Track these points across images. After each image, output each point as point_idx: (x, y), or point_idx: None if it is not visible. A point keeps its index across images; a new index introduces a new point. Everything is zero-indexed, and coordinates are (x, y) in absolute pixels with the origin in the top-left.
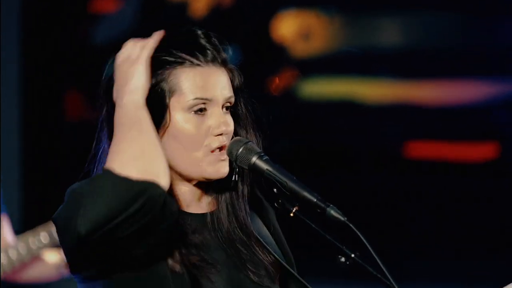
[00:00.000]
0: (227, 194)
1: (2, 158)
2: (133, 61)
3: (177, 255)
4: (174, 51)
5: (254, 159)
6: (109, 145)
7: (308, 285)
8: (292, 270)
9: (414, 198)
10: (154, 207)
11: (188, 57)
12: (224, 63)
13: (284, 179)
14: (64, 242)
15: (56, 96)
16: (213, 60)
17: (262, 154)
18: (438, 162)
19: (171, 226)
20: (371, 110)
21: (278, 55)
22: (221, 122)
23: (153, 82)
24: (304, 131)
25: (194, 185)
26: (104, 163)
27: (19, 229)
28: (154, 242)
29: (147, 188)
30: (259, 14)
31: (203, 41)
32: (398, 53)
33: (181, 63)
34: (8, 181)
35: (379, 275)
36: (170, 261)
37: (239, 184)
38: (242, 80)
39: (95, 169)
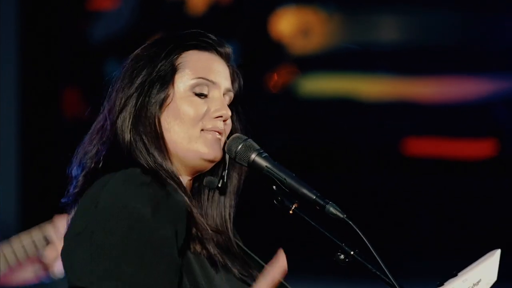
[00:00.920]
0: (214, 194)
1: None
2: None
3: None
4: (183, 39)
5: (254, 156)
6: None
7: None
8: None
9: (413, 195)
10: None
11: (195, 42)
12: (225, 57)
13: (283, 176)
14: None
15: (54, 94)
16: (218, 50)
17: (262, 151)
18: (437, 159)
19: None
20: (370, 107)
21: (277, 52)
22: (222, 105)
23: (162, 60)
24: (303, 128)
25: (191, 178)
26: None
27: (17, 226)
28: None
29: None
30: (258, 11)
31: (208, 34)
32: (397, 50)
33: (189, 47)
34: (5, 179)
35: (378, 272)
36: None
37: (228, 186)
38: (242, 84)
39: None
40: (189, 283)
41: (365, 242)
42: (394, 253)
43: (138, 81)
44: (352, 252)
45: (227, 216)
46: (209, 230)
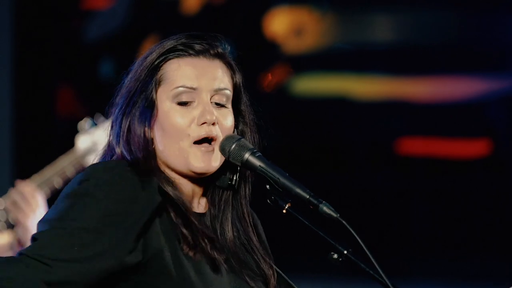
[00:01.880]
0: (228, 194)
1: None
2: None
3: (200, 251)
4: (165, 49)
5: (247, 155)
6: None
7: None
8: (289, 280)
9: (406, 194)
10: None
11: (176, 51)
12: (218, 56)
13: (276, 175)
14: None
15: (48, 92)
16: (204, 52)
17: (255, 150)
18: (431, 158)
19: None
20: (363, 106)
21: (271, 52)
22: (206, 111)
23: (146, 76)
24: (297, 128)
25: (192, 185)
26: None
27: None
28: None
29: None
30: (251, 11)
31: (191, 37)
32: (391, 50)
33: (170, 57)
34: None
35: (371, 272)
36: (196, 257)
37: (241, 184)
38: (242, 78)
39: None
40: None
41: (358, 241)
42: (387, 252)
43: (127, 98)
44: (345, 252)
45: (245, 215)
46: (205, 233)
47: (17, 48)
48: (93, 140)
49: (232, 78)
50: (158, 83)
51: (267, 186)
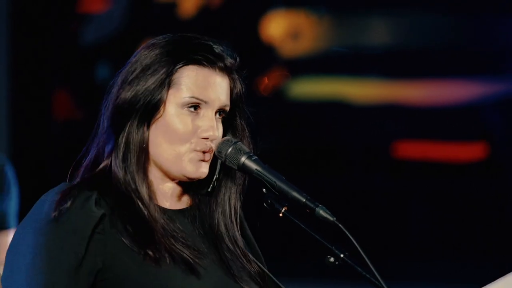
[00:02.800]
0: (212, 191)
1: None
2: None
3: (162, 249)
4: (184, 51)
5: (243, 159)
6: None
7: None
8: (277, 281)
9: (403, 198)
10: None
11: (197, 57)
12: (227, 70)
13: (273, 179)
14: None
15: (45, 96)
16: (217, 64)
17: (251, 154)
18: (428, 162)
19: None
20: (359, 109)
21: (267, 55)
22: (211, 126)
23: (158, 73)
24: (293, 131)
25: (176, 183)
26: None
27: None
28: None
29: None
30: (248, 14)
31: (214, 48)
32: (387, 53)
33: (186, 62)
34: None
35: (368, 275)
36: (156, 254)
37: (228, 183)
38: (243, 91)
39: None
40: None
41: (355, 245)
42: (384, 255)
43: (132, 91)
44: (342, 255)
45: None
46: (168, 228)
47: (14, 51)
48: None
49: (232, 91)
50: (170, 85)
51: (264, 190)
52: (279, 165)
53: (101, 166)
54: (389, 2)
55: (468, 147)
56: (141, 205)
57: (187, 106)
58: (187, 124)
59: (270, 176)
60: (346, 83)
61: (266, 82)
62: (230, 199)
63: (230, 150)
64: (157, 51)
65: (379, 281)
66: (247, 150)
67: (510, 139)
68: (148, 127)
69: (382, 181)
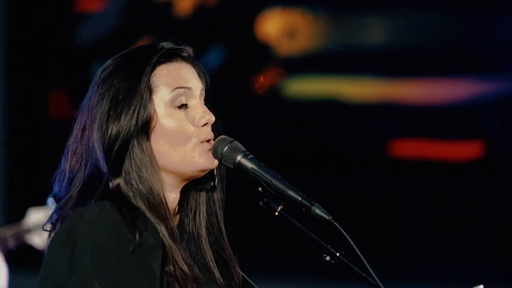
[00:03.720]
0: (205, 201)
1: None
2: None
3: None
4: (143, 61)
5: (239, 158)
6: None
7: None
8: (253, 284)
9: (400, 197)
10: None
11: (156, 58)
12: (191, 58)
13: (269, 178)
14: None
15: (41, 95)
16: (180, 54)
17: (247, 153)
18: (424, 161)
19: None
20: (356, 108)
21: (263, 54)
22: (204, 111)
23: (138, 91)
24: (289, 130)
25: (179, 188)
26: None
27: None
28: None
29: None
30: (244, 13)
31: (165, 44)
32: (383, 52)
33: (153, 66)
34: None
35: (364, 274)
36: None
37: (218, 190)
38: (209, 77)
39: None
40: None
41: (351, 243)
42: (381, 254)
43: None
44: (338, 254)
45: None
46: (185, 264)
47: (10, 51)
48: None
49: (201, 77)
50: (152, 91)
51: (260, 189)
52: (275, 164)
53: (111, 186)
54: (385, 1)
55: (466, 146)
56: (165, 233)
57: (176, 103)
58: (183, 120)
59: (266, 175)
60: (342, 82)
61: (262, 80)
62: (215, 205)
63: (226, 148)
64: (122, 74)
65: (375, 280)
66: (243, 148)
67: (507, 138)
68: (148, 139)
69: (379, 180)
